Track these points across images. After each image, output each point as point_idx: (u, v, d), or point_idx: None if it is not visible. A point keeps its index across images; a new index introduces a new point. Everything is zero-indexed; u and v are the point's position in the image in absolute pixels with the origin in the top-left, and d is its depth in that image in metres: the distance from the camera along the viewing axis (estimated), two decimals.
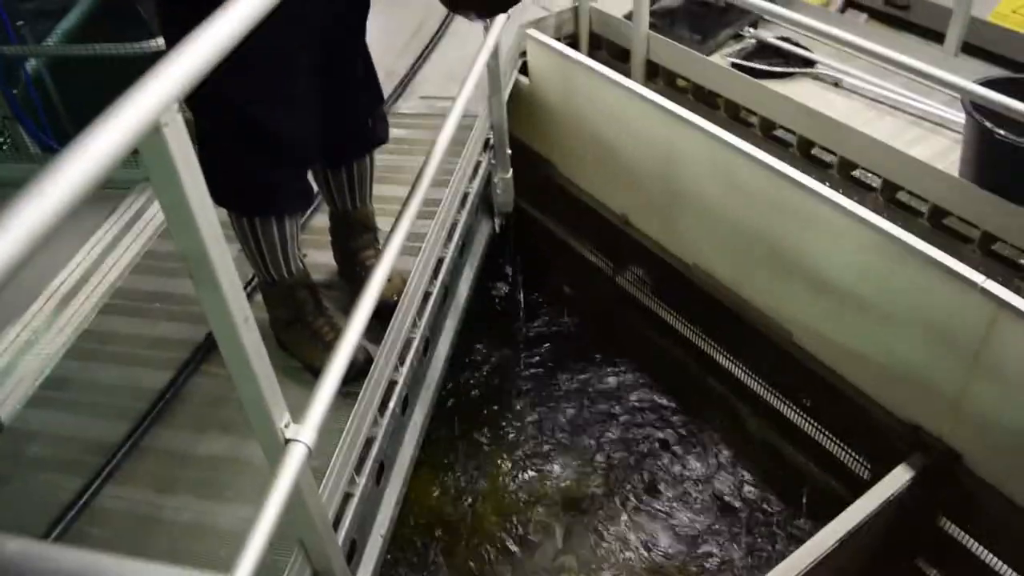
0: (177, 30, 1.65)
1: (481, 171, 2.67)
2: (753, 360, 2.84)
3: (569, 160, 3.22)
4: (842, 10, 3.92)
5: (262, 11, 1.06)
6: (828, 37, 2.65)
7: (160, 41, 2.95)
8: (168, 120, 0.91)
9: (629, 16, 3.19)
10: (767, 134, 3.00)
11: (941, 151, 2.77)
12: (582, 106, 2.97)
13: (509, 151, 2.71)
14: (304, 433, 1.29)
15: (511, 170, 2.74)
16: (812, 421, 2.69)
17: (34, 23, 4.21)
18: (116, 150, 0.84)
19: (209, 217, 1.02)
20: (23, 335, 2.27)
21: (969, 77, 2.36)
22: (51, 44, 3.93)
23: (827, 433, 2.65)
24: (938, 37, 3.17)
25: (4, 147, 3.98)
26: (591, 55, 3.28)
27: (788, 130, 2.93)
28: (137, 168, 2.45)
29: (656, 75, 3.26)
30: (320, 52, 1.73)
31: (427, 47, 3.28)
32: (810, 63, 3.21)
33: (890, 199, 2.70)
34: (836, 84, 3.13)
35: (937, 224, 2.58)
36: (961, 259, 2.03)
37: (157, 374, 2.05)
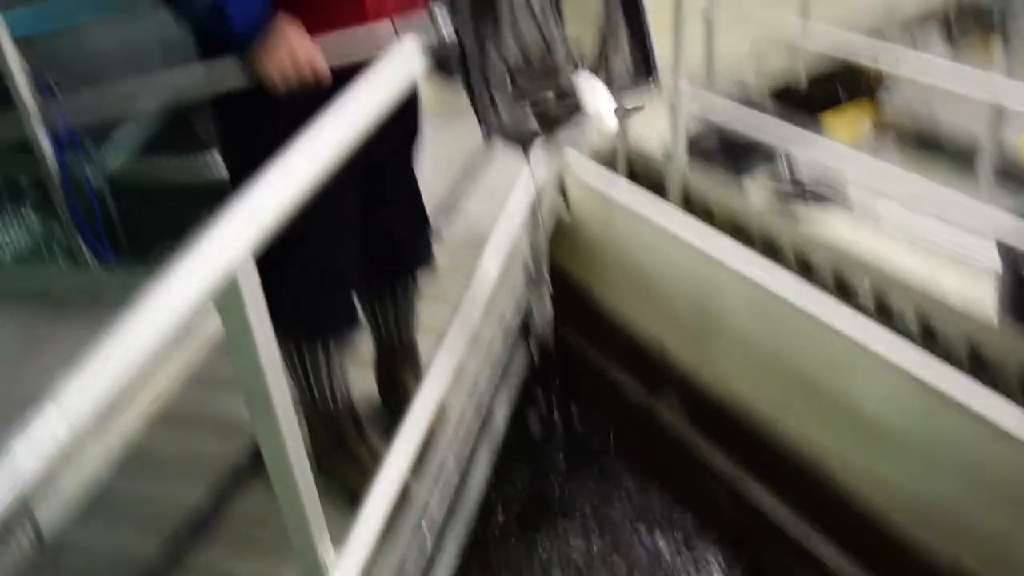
0: (234, 155, 1.77)
1: (520, 298, 2.74)
2: (791, 495, 2.80)
3: (607, 288, 3.28)
4: (872, 133, 4.04)
5: (333, 162, 1.14)
6: (857, 174, 2.74)
7: (218, 162, 3.10)
8: (243, 273, 0.98)
9: (666, 150, 3.31)
10: (802, 265, 3.05)
11: (979, 285, 2.79)
12: (620, 236, 3.05)
13: (548, 278, 2.79)
14: (346, 565, 1.32)
15: (550, 297, 2.81)
16: (851, 559, 2.63)
17: (98, 133, 4.42)
18: (191, 303, 0.90)
19: (273, 359, 1.08)
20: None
21: (1003, 212, 2.40)
22: (113, 160, 4.11)
23: (867, 573, 2.59)
24: (971, 159, 3.23)
25: (59, 253, 4.11)
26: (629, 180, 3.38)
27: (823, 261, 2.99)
28: None
29: (693, 201, 3.35)
30: (369, 179, 1.82)
31: (470, 169, 3.41)
32: (843, 195, 3.28)
33: (927, 336, 2.71)
34: (870, 216, 3.20)
35: (975, 362, 2.58)
36: (1002, 399, 2.03)
37: (200, 491, 2.08)
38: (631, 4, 1.69)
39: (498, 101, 1.55)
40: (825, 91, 4.58)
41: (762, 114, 3.00)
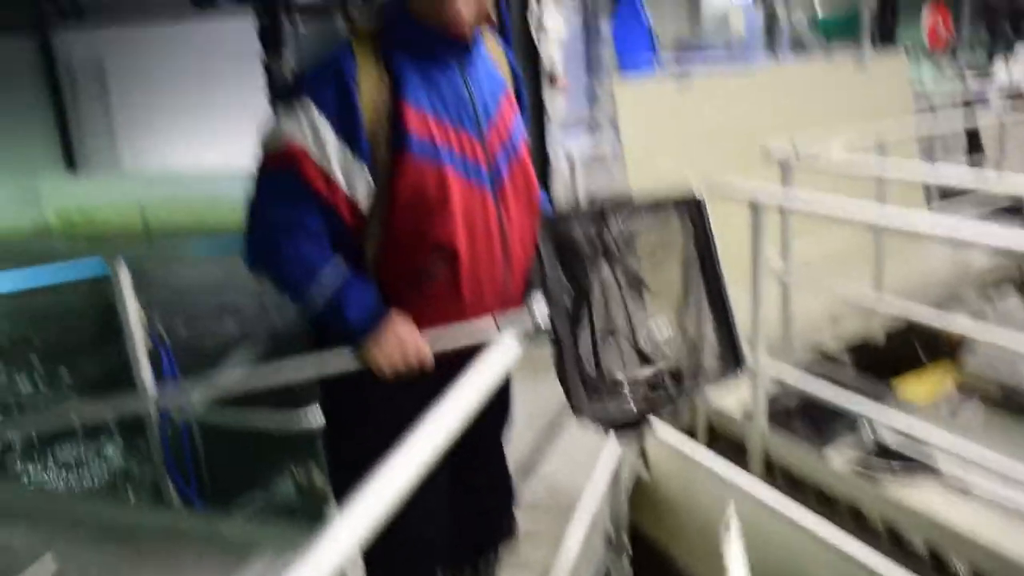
0: (336, 426, 1.87)
1: (599, 563, 2.69)
2: None
3: (686, 551, 3.20)
4: (955, 394, 3.98)
5: (436, 458, 1.21)
6: (940, 442, 2.70)
7: (310, 418, 3.23)
8: (351, 569, 1.03)
9: (746, 412, 3.33)
10: (892, 536, 2.95)
11: None
12: (700, 498, 3.02)
13: (627, 542, 2.75)
14: None
15: (629, 563, 2.75)
16: None
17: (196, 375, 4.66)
18: None
19: None
20: None
21: None
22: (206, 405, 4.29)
23: None
24: None
25: (135, 489, 4.22)
26: (709, 445, 3.38)
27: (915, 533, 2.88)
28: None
29: (774, 464, 3.32)
30: (460, 460, 1.88)
31: (552, 428, 3.46)
32: (931, 460, 3.20)
33: None
34: (960, 484, 3.09)
35: None
36: None
37: None
38: (715, 295, 1.77)
39: (590, 387, 1.62)
40: (904, 350, 4.60)
41: (840, 386, 3.03)
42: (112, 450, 6.09)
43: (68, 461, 6.15)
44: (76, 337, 9.12)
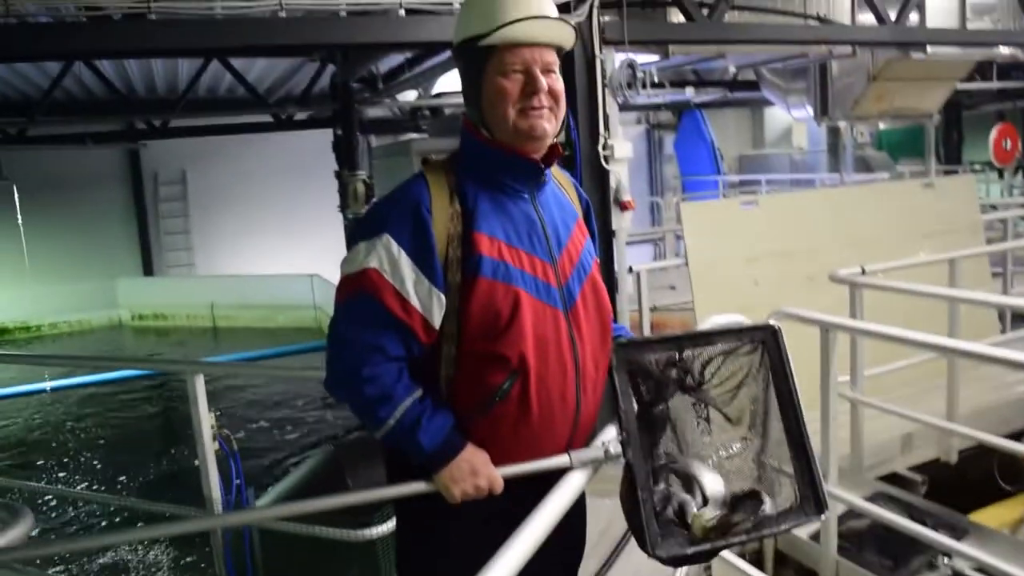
0: (407, 543, 1.88)
1: None
2: None
3: None
4: None
5: None
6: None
7: (374, 530, 3.24)
8: None
9: (815, 536, 3.24)
10: None
11: None
12: None
13: None
14: None
15: None
16: None
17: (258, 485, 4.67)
18: None
19: None
20: None
21: None
22: (266, 508, 4.31)
23: None
24: None
25: None
26: (776, 569, 3.28)
27: None
28: None
29: None
30: None
31: (614, 551, 3.40)
32: None
33: None
34: None
35: None
36: None
37: None
38: (794, 431, 1.71)
39: (661, 523, 1.59)
40: (979, 471, 4.44)
41: (915, 515, 2.93)
42: (160, 555, 5.94)
43: (107, 565, 5.98)
44: (135, 433, 9.23)
